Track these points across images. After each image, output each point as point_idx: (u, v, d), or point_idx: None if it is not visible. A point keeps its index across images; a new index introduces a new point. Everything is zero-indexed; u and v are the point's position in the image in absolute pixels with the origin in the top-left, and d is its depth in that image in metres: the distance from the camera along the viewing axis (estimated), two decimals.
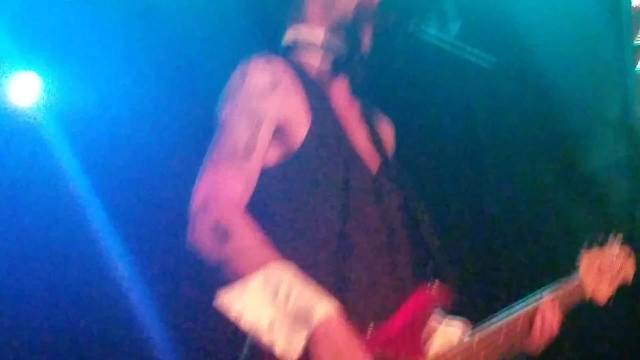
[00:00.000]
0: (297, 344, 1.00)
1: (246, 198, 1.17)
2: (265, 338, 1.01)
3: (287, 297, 1.02)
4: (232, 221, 1.09)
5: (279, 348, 1.00)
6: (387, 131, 1.51)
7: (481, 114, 2.88)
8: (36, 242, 2.73)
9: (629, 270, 1.61)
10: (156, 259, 2.73)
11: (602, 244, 1.56)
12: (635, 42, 2.92)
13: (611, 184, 2.86)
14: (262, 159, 1.20)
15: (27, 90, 2.70)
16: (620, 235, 1.59)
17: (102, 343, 2.72)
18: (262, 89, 1.21)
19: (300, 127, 1.23)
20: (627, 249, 1.61)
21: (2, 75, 2.66)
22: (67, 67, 2.71)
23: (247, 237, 1.08)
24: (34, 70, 2.72)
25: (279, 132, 1.23)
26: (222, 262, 1.07)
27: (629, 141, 2.83)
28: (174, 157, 2.54)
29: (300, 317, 1.01)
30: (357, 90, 1.39)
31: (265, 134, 1.20)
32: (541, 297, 1.41)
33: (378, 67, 1.46)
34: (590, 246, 1.54)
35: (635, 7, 2.90)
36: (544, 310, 1.38)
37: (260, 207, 1.20)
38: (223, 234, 1.07)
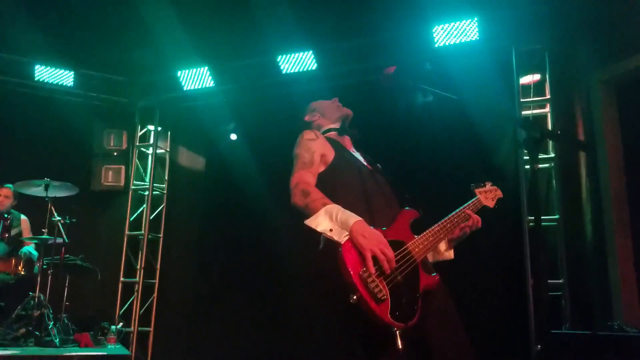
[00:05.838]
0: (344, 236, 1.87)
1: (314, 181, 2.14)
2: (329, 234, 1.88)
3: (336, 217, 1.91)
4: (308, 189, 2.05)
5: (336, 237, 1.87)
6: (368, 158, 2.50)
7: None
8: None
9: (499, 192, 2.50)
10: None
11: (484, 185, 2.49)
12: None
13: None
14: (317, 168, 2.19)
15: None
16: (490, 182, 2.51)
17: None
18: (310, 139, 2.26)
19: (330, 155, 2.26)
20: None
21: None
22: None
23: (315, 195, 2.01)
24: None
25: (322, 157, 2.23)
26: (305, 207, 2.00)
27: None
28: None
29: (343, 225, 1.89)
30: (355, 143, 2.53)
31: (317, 157, 2.21)
32: (463, 207, 2.30)
33: (364, 130, 2.59)
34: (478, 186, 2.46)
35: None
36: (469, 211, 2.27)
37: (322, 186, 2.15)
38: (305, 194, 2.03)
